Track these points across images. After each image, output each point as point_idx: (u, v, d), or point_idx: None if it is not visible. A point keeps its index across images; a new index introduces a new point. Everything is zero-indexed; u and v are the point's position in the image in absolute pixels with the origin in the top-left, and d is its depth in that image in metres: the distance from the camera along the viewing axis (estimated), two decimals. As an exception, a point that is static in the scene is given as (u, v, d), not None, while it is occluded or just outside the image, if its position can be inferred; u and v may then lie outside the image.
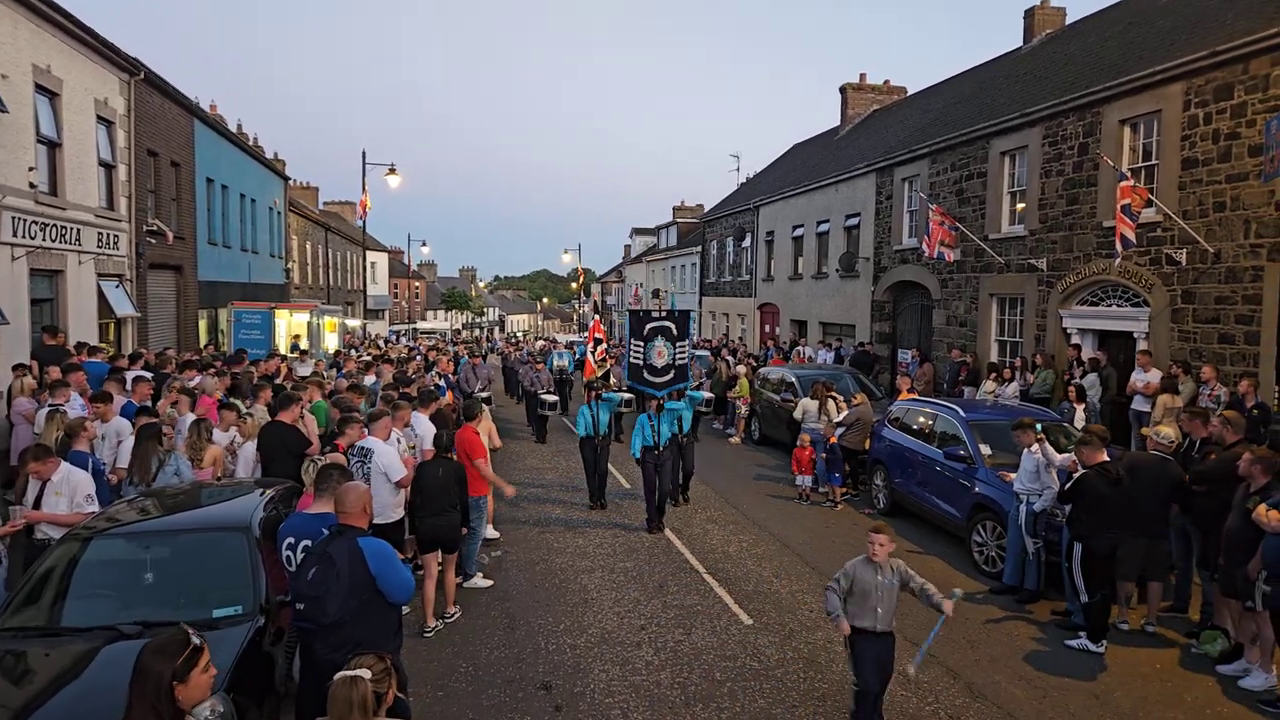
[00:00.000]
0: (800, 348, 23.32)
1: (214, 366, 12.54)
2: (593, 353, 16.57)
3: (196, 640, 3.15)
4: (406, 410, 8.84)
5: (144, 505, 6.08)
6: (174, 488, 6.79)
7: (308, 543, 4.83)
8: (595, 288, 54.61)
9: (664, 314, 11.99)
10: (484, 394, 16.88)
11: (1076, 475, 7.50)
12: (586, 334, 19.18)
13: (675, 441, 11.15)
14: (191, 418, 8.28)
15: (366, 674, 3.21)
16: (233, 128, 28.55)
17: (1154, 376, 12.08)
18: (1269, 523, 5.97)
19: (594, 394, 12.14)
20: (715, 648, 7.23)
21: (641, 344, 11.61)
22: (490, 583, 8.69)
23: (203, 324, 21.84)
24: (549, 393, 18.31)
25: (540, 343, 42.93)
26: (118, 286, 16.52)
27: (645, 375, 11.65)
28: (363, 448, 7.33)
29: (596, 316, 19.18)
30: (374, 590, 4.38)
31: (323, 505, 5.06)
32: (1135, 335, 13.61)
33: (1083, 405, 11.70)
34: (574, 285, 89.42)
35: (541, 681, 6.55)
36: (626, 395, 15.35)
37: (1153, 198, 12.45)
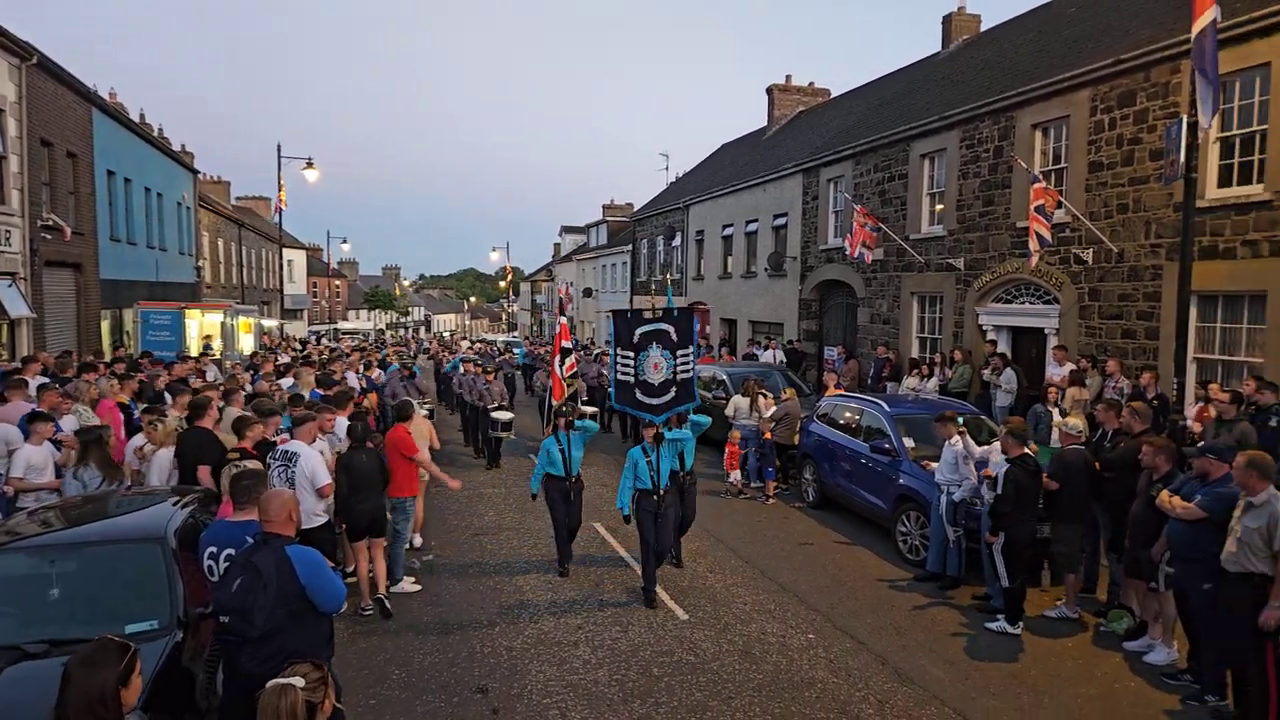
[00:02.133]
0: (758, 350, 21.94)
1: (115, 369, 11.94)
2: (560, 365, 11.96)
3: (131, 645, 3.20)
4: (330, 415, 8.62)
5: (47, 517, 5.73)
6: (80, 497, 6.43)
7: (230, 551, 4.63)
8: (563, 283, 49.14)
9: (659, 313, 8.93)
10: (423, 408, 13.52)
11: (1003, 471, 7.70)
12: (552, 344, 14.20)
13: (676, 481, 8.69)
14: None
15: (300, 682, 3.09)
16: (135, 117, 27.23)
17: (1068, 370, 12.65)
18: (1172, 509, 6.30)
19: (564, 422, 9.26)
20: (652, 644, 7.25)
21: (631, 355, 8.65)
22: (418, 587, 8.52)
23: (105, 325, 20.73)
24: (500, 408, 14.94)
25: (464, 343, 41.39)
26: (10, 285, 15.56)
27: (638, 396, 8.66)
28: (286, 451, 7.12)
29: (563, 319, 12.97)
30: (304, 600, 4.24)
31: (245, 513, 4.87)
32: (1046, 331, 14.23)
33: (1057, 409, 11.80)
34: (502, 284, 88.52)
35: (478, 685, 6.45)
36: (591, 410, 12.92)
37: (1062, 199, 13.04)
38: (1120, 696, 6.38)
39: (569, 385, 11.83)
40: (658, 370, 8.67)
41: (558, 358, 11.97)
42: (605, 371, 16.30)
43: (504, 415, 14.47)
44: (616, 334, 8.89)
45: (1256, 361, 10.65)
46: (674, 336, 8.76)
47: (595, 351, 22.66)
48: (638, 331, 8.72)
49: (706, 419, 9.20)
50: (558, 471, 9.06)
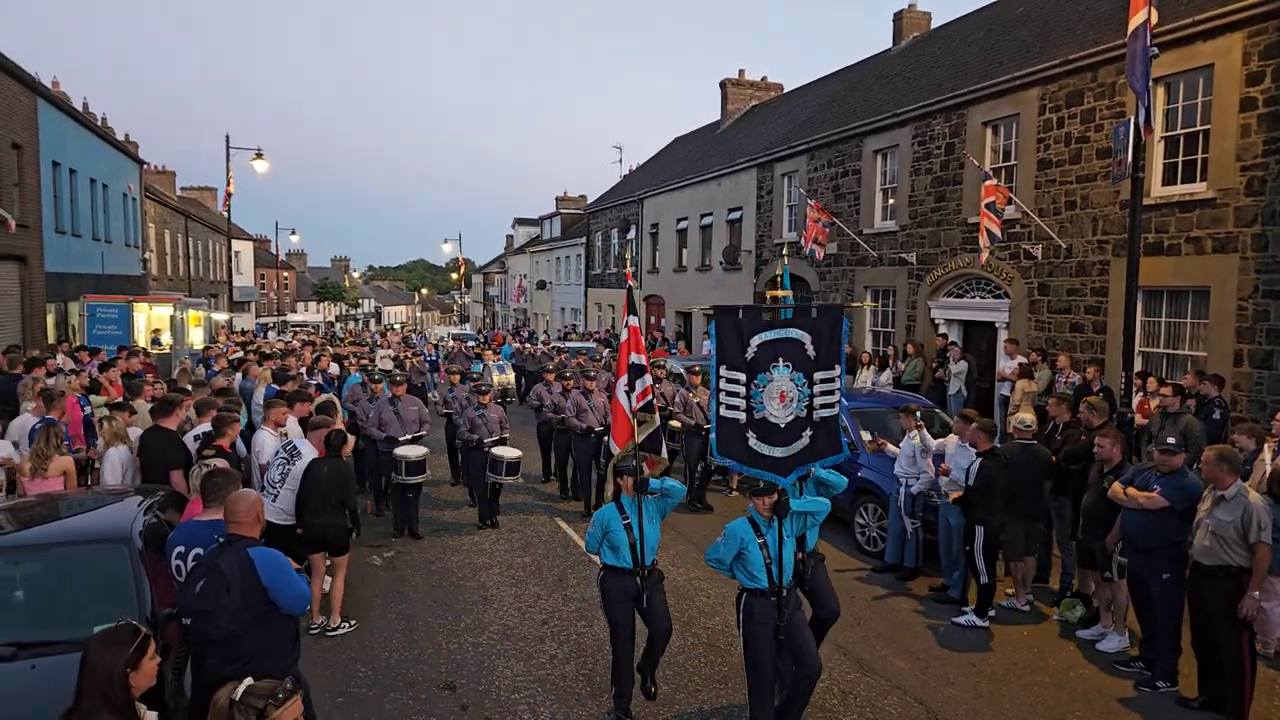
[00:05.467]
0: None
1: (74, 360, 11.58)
2: (628, 393, 6.66)
3: (144, 629, 3.35)
4: (284, 411, 8.50)
5: (9, 517, 5.57)
6: (41, 497, 6.27)
7: (199, 551, 4.58)
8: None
9: (787, 311, 5.73)
10: (415, 452, 9.94)
11: (976, 464, 7.76)
12: (616, 354, 7.92)
13: (799, 570, 5.95)
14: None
15: (239, 690, 3.20)
16: (78, 106, 26.34)
17: (1018, 363, 13.01)
18: (1131, 500, 6.45)
19: (633, 480, 6.04)
20: (619, 638, 7.28)
21: (743, 378, 5.38)
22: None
23: (51, 319, 20.06)
24: (500, 441, 10.83)
25: (421, 338, 40.13)
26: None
27: (753, 443, 5.41)
28: (295, 446, 7.28)
29: (632, 320, 6.77)
30: (267, 602, 4.21)
31: (214, 512, 4.80)
32: (997, 325, 14.60)
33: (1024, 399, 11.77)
34: (454, 276, 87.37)
35: (445, 681, 6.44)
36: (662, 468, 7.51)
37: (1012, 196, 13.38)
38: (1074, 684, 6.59)
39: (640, 424, 6.81)
40: (785, 403, 5.44)
41: (622, 380, 6.77)
42: (688, 398, 11.97)
43: (509, 453, 10.47)
44: (720, 345, 5.44)
45: (1200, 355, 11.09)
46: (810, 351, 5.50)
47: (664, 358, 17.18)
48: (754, 342, 5.38)
49: (842, 478, 6.39)
50: (622, 562, 5.95)
